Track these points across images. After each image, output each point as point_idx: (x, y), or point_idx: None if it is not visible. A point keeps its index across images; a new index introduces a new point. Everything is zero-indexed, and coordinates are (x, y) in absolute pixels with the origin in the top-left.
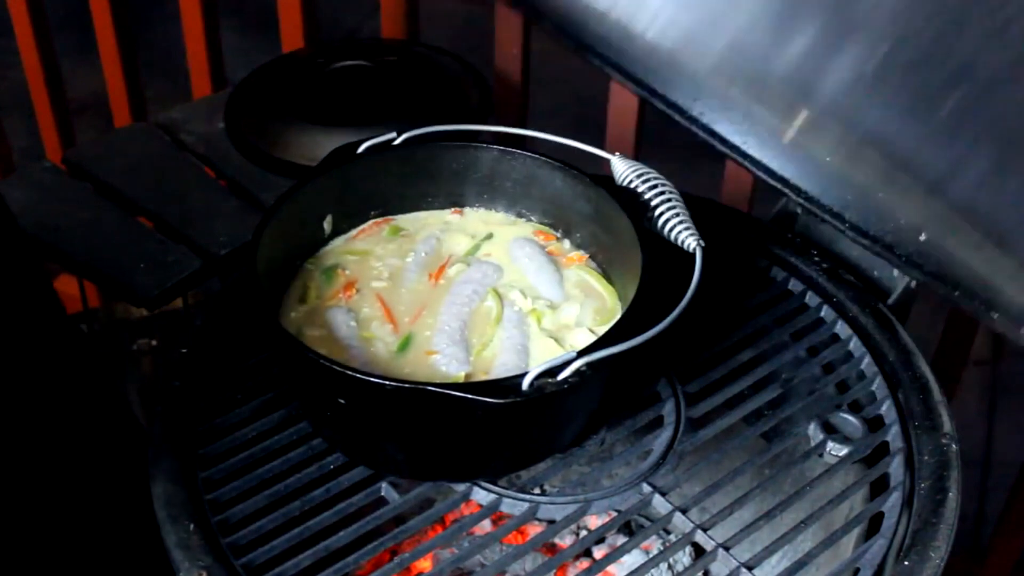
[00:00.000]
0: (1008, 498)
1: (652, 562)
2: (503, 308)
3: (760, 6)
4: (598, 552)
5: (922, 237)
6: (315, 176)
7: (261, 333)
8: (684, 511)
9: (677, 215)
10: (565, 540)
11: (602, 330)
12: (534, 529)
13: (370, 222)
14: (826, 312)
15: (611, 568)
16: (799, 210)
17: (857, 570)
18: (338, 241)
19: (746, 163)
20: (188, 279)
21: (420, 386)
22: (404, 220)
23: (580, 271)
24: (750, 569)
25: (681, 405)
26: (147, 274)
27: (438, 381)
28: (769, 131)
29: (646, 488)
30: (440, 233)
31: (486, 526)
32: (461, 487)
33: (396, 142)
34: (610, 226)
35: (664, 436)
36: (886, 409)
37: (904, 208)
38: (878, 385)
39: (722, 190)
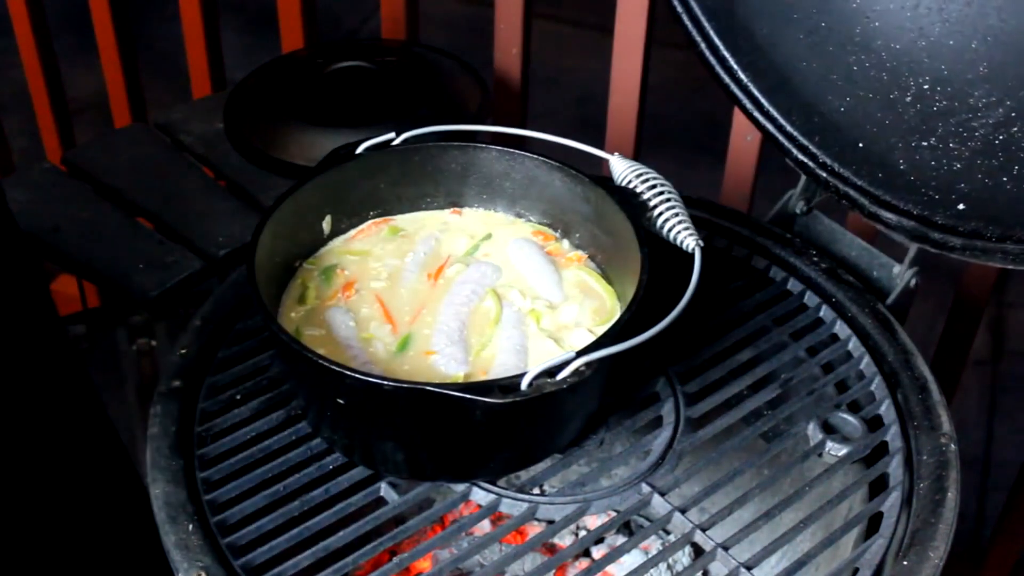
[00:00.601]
0: (1008, 498)
1: (651, 562)
2: (502, 308)
3: None
4: (597, 552)
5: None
6: (314, 176)
7: (261, 333)
8: (683, 511)
9: (676, 215)
10: (564, 540)
11: (601, 330)
12: (533, 529)
13: (369, 222)
14: (825, 312)
15: (610, 568)
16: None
17: (856, 570)
18: (337, 241)
19: None
20: (188, 279)
21: (419, 386)
22: (403, 220)
23: (579, 271)
24: (749, 569)
25: (680, 405)
26: (146, 274)
27: (437, 381)
28: None
29: (645, 488)
30: (439, 233)
31: (485, 526)
32: (460, 487)
33: (395, 142)
34: (609, 226)
35: (663, 436)
36: (885, 409)
37: None
38: (877, 385)
39: (721, 190)
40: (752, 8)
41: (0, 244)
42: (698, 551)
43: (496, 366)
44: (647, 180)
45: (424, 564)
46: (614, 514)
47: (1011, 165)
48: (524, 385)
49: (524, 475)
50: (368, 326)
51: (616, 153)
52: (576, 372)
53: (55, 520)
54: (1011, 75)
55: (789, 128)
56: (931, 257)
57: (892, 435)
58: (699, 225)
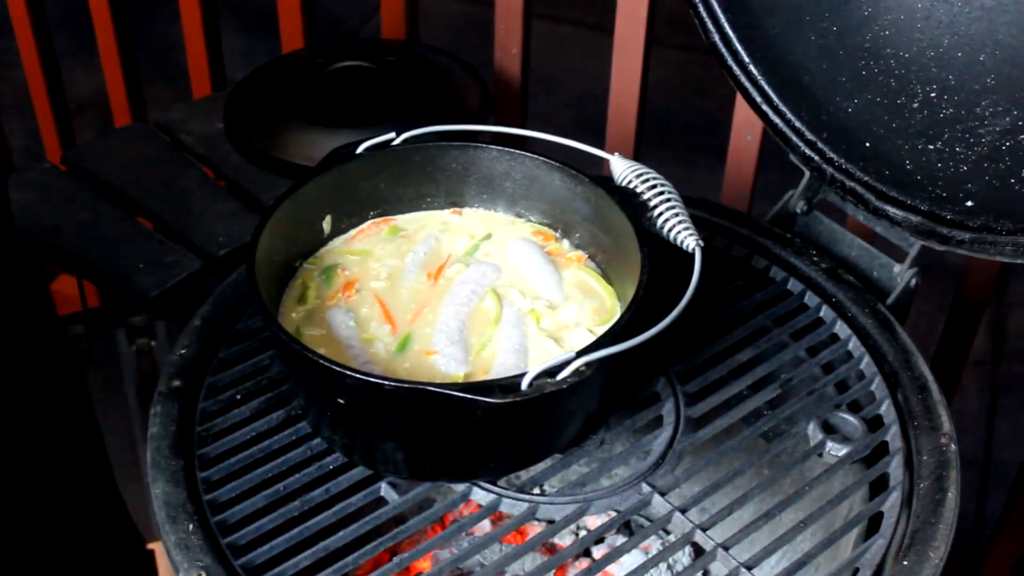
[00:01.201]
0: (1008, 498)
1: (651, 562)
2: (502, 308)
3: None
4: (597, 552)
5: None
6: (314, 176)
7: (261, 333)
8: (683, 511)
9: (676, 215)
10: (564, 540)
11: (601, 330)
12: (533, 529)
13: (369, 222)
14: (825, 312)
15: (610, 568)
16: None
17: (856, 570)
18: (337, 241)
19: None
20: (187, 279)
21: (419, 386)
22: (403, 220)
23: (579, 271)
24: (749, 569)
25: (680, 405)
26: (146, 274)
27: (437, 381)
28: None
29: (645, 488)
30: (439, 233)
31: (485, 526)
32: (460, 487)
33: (395, 142)
34: (609, 226)
35: (663, 436)
36: (885, 409)
37: None
38: (877, 385)
39: (721, 190)
40: (766, 5)
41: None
42: (698, 551)
43: (496, 366)
44: (647, 180)
45: (424, 564)
46: (614, 514)
47: (1019, 169)
48: (524, 385)
49: (524, 475)
50: (368, 326)
51: (616, 153)
52: (576, 372)
53: (41, 519)
54: (1019, 86)
55: (797, 123)
56: (931, 257)
57: (892, 435)
58: (699, 225)
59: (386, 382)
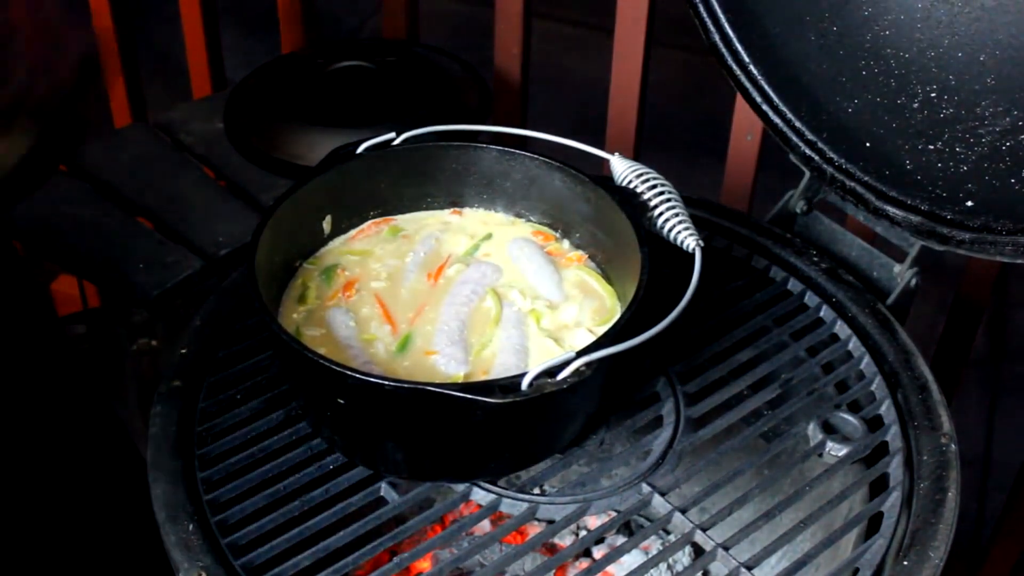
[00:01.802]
0: (1008, 498)
1: (651, 562)
2: (502, 308)
3: None
4: (598, 552)
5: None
6: (314, 176)
7: (261, 333)
8: (683, 511)
9: (676, 215)
10: (565, 540)
11: (601, 330)
12: (533, 529)
13: (369, 222)
14: (825, 312)
15: (611, 568)
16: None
17: (856, 570)
18: (337, 241)
19: None
20: (188, 280)
21: (419, 386)
22: (403, 220)
23: (579, 271)
24: (749, 569)
25: (680, 405)
26: (147, 275)
27: (437, 381)
28: None
29: (645, 488)
30: (439, 233)
31: (485, 526)
32: (460, 487)
33: (395, 142)
34: (609, 226)
35: (663, 436)
36: (885, 409)
37: None
38: (877, 385)
39: (722, 190)
40: (766, 5)
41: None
42: (698, 551)
43: (496, 366)
44: (647, 180)
45: (424, 564)
46: (614, 514)
47: (1019, 169)
48: (524, 385)
49: (524, 475)
50: (368, 326)
51: (616, 153)
52: (576, 372)
53: (57, 518)
54: (1019, 86)
55: (797, 123)
56: (931, 257)
57: (892, 435)
58: (699, 225)
59: (386, 382)
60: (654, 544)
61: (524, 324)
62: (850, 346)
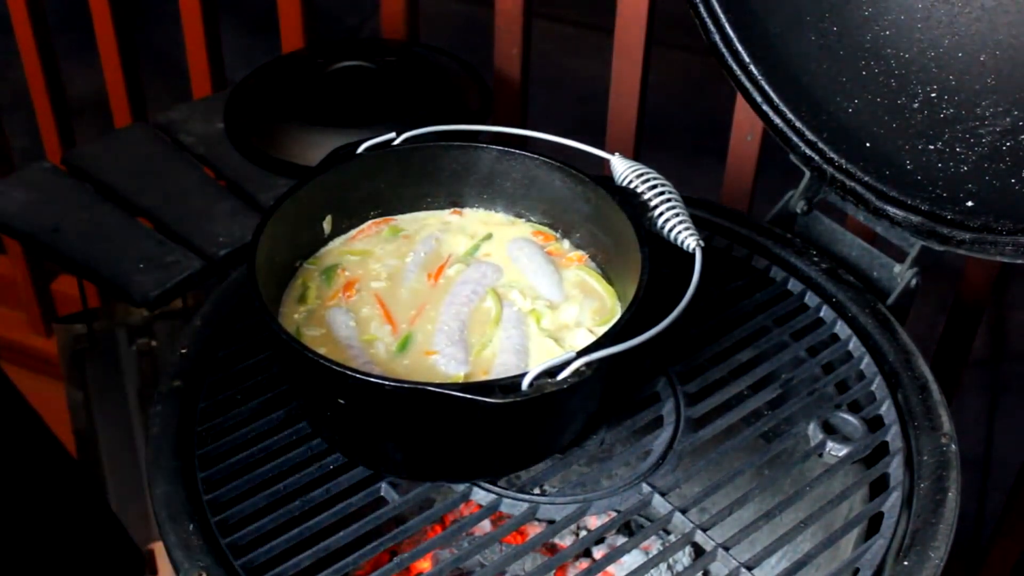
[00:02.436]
0: (1008, 498)
1: (652, 562)
2: (502, 308)
3: None
4: (598, 552)
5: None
6: (315, 176)
7: (261, 333)
8: (684, 511)
9: (677, 215)
10: (565, 540)
11: (601, 330)
12: (534, 529)
13: (369, 222)
14: (825, 312)
15: (611, 568)
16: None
17: (857, 570)
18: (337, 241)
19: None
20: (187, 280)
21: (419, 386)
22: (403, 220)
23: (579, 271)
24: (750, 569)
25: (680, 405)
26: (146, 275)
27: (437, 381)
28: None
29: (646, 488)
30: (439, 233)
31: (486, 526)
32: (461, 487)
33: (396, 142)
34: (609, 226)
35: (664, 436)
36: (886, 409)
37: None
38: (878, 385)
39: (722, 190)
40: (766, 5)
41: None
42: (698, 551)
43: (496, 366)
44: (648, 180)
45: (424, 564)
46: (614, 514)
47: (1019, 169)
48: (524, 385)
49: (524, 475)
50: (369, 326)
51: (617, 153)
52: (576, 372)
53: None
54: (1019, 87)
55: (797, 123)
56: (931, 257)
57: (892, 435)
58: (699, 225)
59: (386, 382)
60: (654, 544)
61: (524, 324)
62: (850, 346)
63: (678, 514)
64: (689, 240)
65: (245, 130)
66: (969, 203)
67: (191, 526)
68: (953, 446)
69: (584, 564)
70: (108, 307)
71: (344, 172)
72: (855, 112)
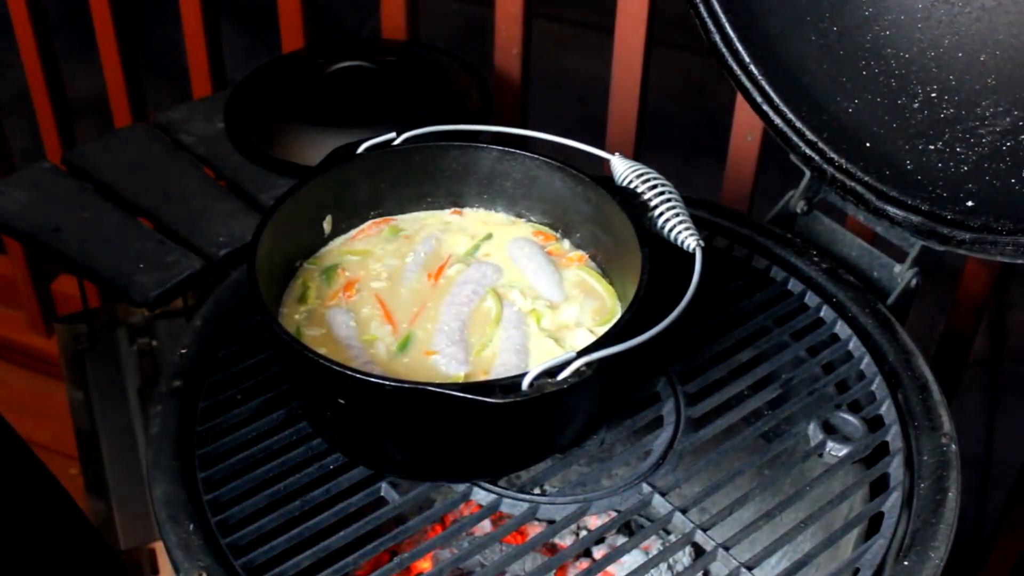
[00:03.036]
0: (1008, 498)
1: (652, 562)
2: (502, 308)
3: None
4: (598, 552)
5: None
6: (315, 176)
7: (261, 333)
8: (684, 511)
9: (677, 215)
10: (565, 540)
11: (601, 330)
12: (534, 529)
13: (370, 222)
14: (826, 312)
15: (611, 568)
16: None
17: (857, 570)
18: (338, 241)
19: None
20: (187, 280)
21: (420, 386)
22: (404, 220)
23: (579, 271)
24: (750, 569)
25: (681, 405)
26: (146, 275)
27: (438, 381)
28: None
29: (646, 488)
30: (440, 233)
31: (486, 526)
32: (461, 487)
33: (396, 142)
34: (610, 226)
35: (664, 436)
36: (886, 409)
37: None
38: (878, 385)
39: (722, 190)
40: (766, 5)
41: None
42: (699, 551)
43: (497, 366)
44: (648, 180)
45: (424, 564)
46: (615, 514)
47: (1019, 169)
48: (525, 385)
49: (525, 475)
50: (369, 326)
51: (617, 153)
52: (577, 372)
53: None
54: (1019, 86)
55: (797, 123)
56: (931, 257)
57: (892, 435)
58: (700, 225)
59: (387, 382)
60: (654, 544)
61: (524, 324)
62: (850, 346)
63: (678, 514)
64: (689, 240)
65: (245, 130)
66: (969, 203)
67: (191, 526)
68: (953, 446)
69: (584, 564)
70: (108, 307)
71: (344, 172)
72: (855, 112)
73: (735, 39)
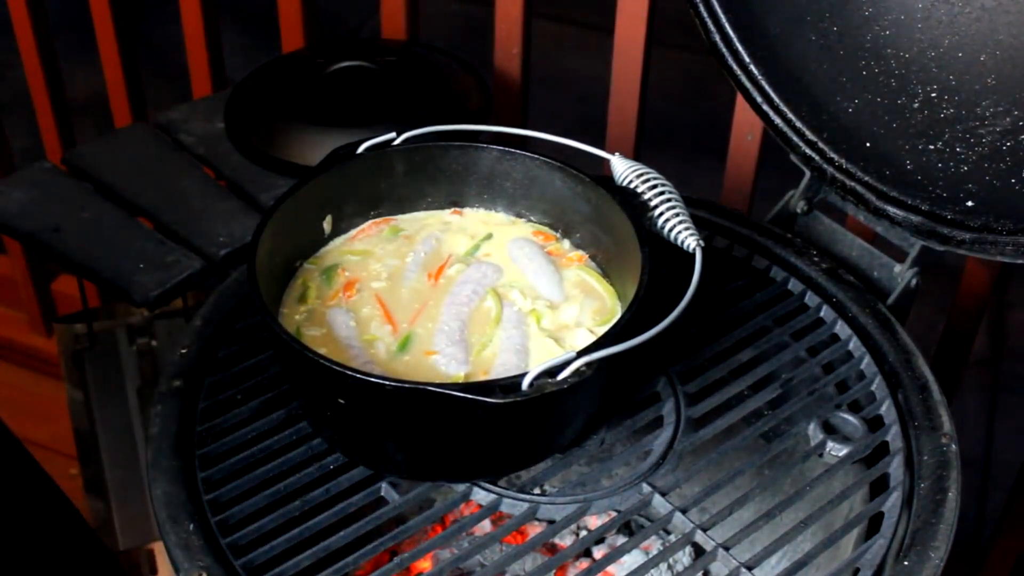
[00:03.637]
0: (1008, 498)
1: (652, 562)
2: (503, 308)
3: None
4: (598, 552)
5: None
6: (315, 176)
7: (261, 333)
8: (684, 511)
9: (677, 215)
10: (565, 540)
11: (601, 330)
12: (534, 529)
13: (370, 222)
14: (826, 312)
15: (611, 568)
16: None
17: (857, 570)
18: (338, 241)
19: None
20: (187, 280)
21: (420, 386)
22: (404, 220)
23: (579, 271)
24: (750, 569)
25: (681, 405)
26: (146, 275)
27: (438, 381)
28: None
29: (646, 488)
30: (440, 233)
31: (486, 526)
32: (461, 487)
33: (396, 142)
34: (610, 226)
35: (664, 436)
36: (886, 409)
37: None
38: (878, 385)
39: (722, 190)
40: (766, 5)
41: None
42: (699, 551)
43: (497, 366)
44: (648, 180)
45: (425, 564)
46: (615, 514)
47: (1019, 169)
48: (525, 385)
49: (525, 475)
50: (369, 326)
51: (617, 153)
52: (577, 372)
53: None
54: (1019, 86)
55: (797, 123)
56: (931, 257)
57: (893, 435)
58: (700, 225)
59: (387, 382)
60: (654, 544)
61: (524, 324)
62: (850, 346)
63: (678, 514)
64: (689, 240)
65: (245, 130)
66: (969, 203)
67: (191, 526)
68: (953, 446)
69: (584, 564)
70: (108, 307)
71: (344, 172)
72: (855, 112)
73: (735, 39)
